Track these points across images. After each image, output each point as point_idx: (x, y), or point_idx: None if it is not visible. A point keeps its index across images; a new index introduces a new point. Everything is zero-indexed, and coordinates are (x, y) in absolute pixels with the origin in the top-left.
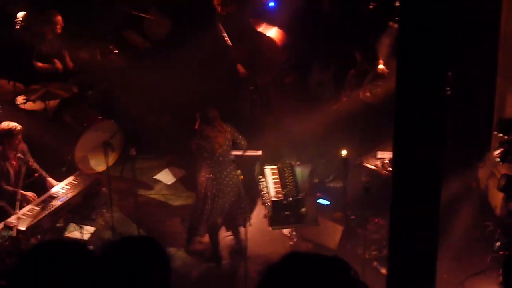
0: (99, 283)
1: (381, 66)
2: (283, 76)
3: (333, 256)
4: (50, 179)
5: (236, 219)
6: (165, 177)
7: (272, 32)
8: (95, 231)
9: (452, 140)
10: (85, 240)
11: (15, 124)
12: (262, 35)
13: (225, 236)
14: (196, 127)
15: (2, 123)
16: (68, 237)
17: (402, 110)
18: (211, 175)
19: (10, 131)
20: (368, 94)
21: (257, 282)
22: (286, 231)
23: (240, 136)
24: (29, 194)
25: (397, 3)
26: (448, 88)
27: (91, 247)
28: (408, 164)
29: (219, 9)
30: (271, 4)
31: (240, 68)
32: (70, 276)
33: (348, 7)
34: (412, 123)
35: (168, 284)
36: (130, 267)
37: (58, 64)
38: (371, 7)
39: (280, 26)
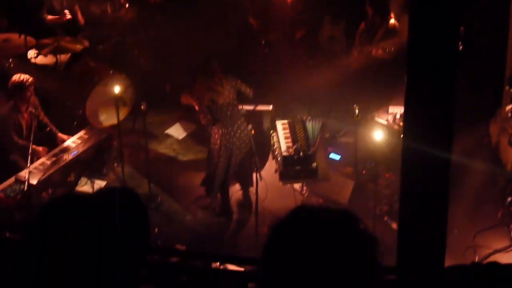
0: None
1: (392, 21)
2: (293, 31)
3: (343, 209)
4: (61, 134)
5: (247, 173)
6: (176, 131)
7: None
8: (106, 185)
9: (463, 96)
10: None
11: (27, 76)
12: None
13: (237, 191)
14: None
15: (13, 76)
16: (79, 192)
17: (414, 65)
18: (222, 129)
19: (21, 83)
20: (380, 51)
21: (266, 237)
22: (297, 185)
23: (245, 86)
24: (40, 148)
25: None
26: (460, 43)
27: None
28: (419, 119)
29: None
30: None
31: (252, 21)
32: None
33: None
34: (423, 77)
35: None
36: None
37: (68, 15)
38: None
39: None
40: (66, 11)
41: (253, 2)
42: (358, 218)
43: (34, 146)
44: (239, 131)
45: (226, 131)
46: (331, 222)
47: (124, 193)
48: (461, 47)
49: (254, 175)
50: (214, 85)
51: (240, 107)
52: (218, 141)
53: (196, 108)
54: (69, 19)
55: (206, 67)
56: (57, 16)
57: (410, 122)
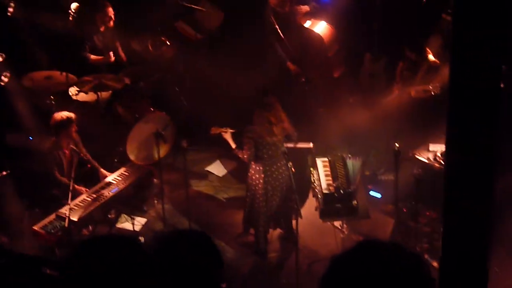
0: (150, 277)
1: (431, 58)
2: (331, 70)
3: (410, 251)
4: (102, 170)
5: (287, 212)
6: (217, 168)
7: (320, 28)
8: (146, 223)
9: (507, 134)
10: (136, 231)
11: (70, 114)
12: (309, 32)
13: (276, 229)
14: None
15: (56, 114)
16: (120, 229)
17: (456, 103)
18: (261, 168)
19: (65, 121)
20: (421, 92)
21: (324, 272)
22: (337, 223)
23: (293, 128)
24: (82, 188)
25: None
26: (504, 81)
27: (141, 238)
28: (461, 158)
29: (270, 2)
30: None
31: (290, 65)
32: (121, 271)
33: None
34: (466, 116)
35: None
36: (182, 261)
37: (112, 58)
38: None
39: (329, 19)
40: (111, 53)
41: (290, 44)
42: (422, 261)
43: (75, 186)
44: (278, 171)
45: (263, 169)
46: (399, 263)
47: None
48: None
49: (295, 212)
50: (272, 118)
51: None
52: (256, 179)
53: (232, 145)
54: (111, 61)
55: (263, 100)
56: (101, 57)
57: (452, 161)
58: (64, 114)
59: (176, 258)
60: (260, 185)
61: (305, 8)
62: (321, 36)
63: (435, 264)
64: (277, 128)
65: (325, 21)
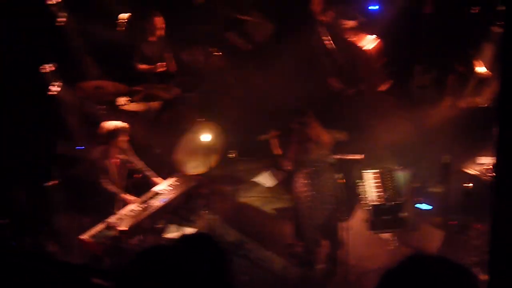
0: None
1: (482, 70)
2: (379, 83)
3: (460, 265)
4: (154, 178)
5: (334, 226)
6: (266, 179)
7: (367, 41)
8: (190, 233)
9: None
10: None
11: (121, 123)
12: (357, 45)
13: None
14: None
15: (106, 123)
16: (168, 239)
17: (505, 114)
18: (305, 180)
19: (115, 131)
20: (471, 104)
21: (375, 285)
22: (386, 235)
23: (338, 132)
24: (131, 197)
25: (501, 7)
26: None
27: None
28: (509, 171)
29: (318, 15)
30: (375, 7)
31: (334, 82)
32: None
33: (451, 9)
34: None
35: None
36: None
37: (159, 68)
38: (475, 10)
39: (377, 32)
40: (160, 64)
41: (338, 57)
42: (475, 276)
43: (124, 196)
44: (325, 182)
45: (309, 182)
46: (447, 276)
47: (202, 239)
48: None
49: (342, 224)
50: (310, 135)
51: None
52: (301, 191)
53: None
54: (160, 71)
55: (300, 120)
56: (150, 66)
57: (501, 174)
58: (114, 123)
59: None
60: (304, 197)
61: (352, 23)
62: (368, 50)
63: (484, 277)
64: (317, 143)
65: (372, 33)
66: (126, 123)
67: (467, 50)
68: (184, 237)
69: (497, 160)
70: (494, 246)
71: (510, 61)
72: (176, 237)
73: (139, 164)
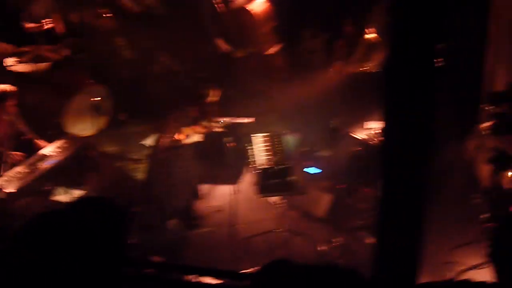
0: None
1: (371, 35)
2: (266, 46)
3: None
4: (39, 142)
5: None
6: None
7: (255, 4)
8: (82, 195)
9: (441, 113)
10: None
11: (7, 86)
12: (244, 8)
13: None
14: None
15: None
16: (55, 202)
17: (392, 80)
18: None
19: (3, 94)
20: (359, 68)
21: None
22: (274, 198)
23: None
24: (18, 154)
25: None
26: (438, 60)
27: None
28: (397, 135)
29: None
30: None
31: (221, 43)
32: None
33: None
34: (402, 94)
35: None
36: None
37: (47, 25)
38: None
39: None
40: (45, 21)
41: (225, 20)
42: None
43: (11, 153)
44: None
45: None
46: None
47: (99, 202)
48: (440, 63)
49: (227, 187)
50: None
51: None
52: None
53: None
54: (48, 29)
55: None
56: (36, 24)
57: (388, 137)
58: (1, 87)
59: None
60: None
61: None
62: (255, 12)
63: (369, 241)
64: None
65: None
66: (13, 87)
67: (357, 14)
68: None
69: (384, 125)
70: (380, 210)
71: (397, 27)
72: (67, 200)
73: (25, 127)
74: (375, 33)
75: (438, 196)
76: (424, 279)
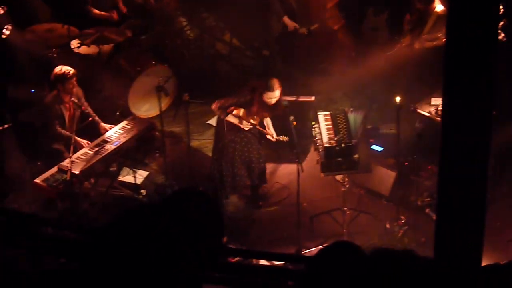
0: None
1: (440, 7)
2: (332, 23)
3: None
4: (103, 124)
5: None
6: None
7: None
8: (148, 176)
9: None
10: (138, 184)
11: (69, 68)
12: None
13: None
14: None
15: (56, 68)
16: (122, 182)
17: (452, 56)
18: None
19: (63, 75)
20: (427, 44)
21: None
22: (338, 177)
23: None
24: (83, 141)
25: None
26: (504, 35)
27: (143, 191)
28: (457, 111)
29: None
30: None
31: (287, 20)
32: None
33: None
34: (462, 70)
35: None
36: (182, 223)
37: (115, 15)
38: None
39: None
40: (115, 12)
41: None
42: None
43: (77, 139)
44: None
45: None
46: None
47: (195, 195)
48: (504, 39)
49: (296, 166)
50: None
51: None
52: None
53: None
54: (114, 18)
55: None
56: (104, 13)
57: (449, 114)
58: (63, 68)
59: (179, 217)
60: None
61: None
62: None
63: (435, 217)
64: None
65: None
66: (72, 68)
67: None
68: (171, 195)
69: (444, 100)
70: (441, 185)
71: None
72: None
73: (90, 109)
74: (443, 6)
75: (505, 174)
76: (491, 257)
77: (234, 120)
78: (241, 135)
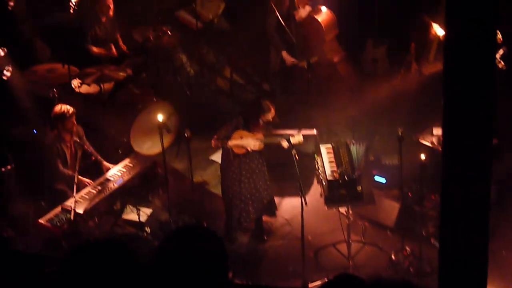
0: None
1: (441, 32)
2: (331, 55)
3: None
4: (106, 163)
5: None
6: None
7: (319, 13)
8: (152, 213)
9: (507, 117)
10: (142, 222)
11: (68, 107)
12: (309, 17)
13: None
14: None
15: (55, 107)
16: (126, 220)
17: (450, 84)
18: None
19: (63, 114)
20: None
21: None
22: (342, 209)
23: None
24: (86, 180)
25: None
26: (502, 63)
27: (147, 229)
28: (457, 141)
29: None
30: None
31: (285, 55)
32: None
33: None
34: (461, 98)
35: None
36: (185, 262)
37: (114, 50)
38: None
39: (328, 4)
40: (112, 46)
41: (290, 31)
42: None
43: (80, 177)
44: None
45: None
46: None
47: (200, 233)
48: (504, 67)
49: (299, 199)
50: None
51: (284, 131)
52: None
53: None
54: (113, 53)
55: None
56: (103, 50)
57: (449, 144)
58: (63, 107)
59: (182, 256)
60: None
61: None
62: (320, 22)
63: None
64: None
65: (324, 5)
66: (73, 107)
67: (421, 15)
68: (175, 232)
69: (444, 130)
70: (443, 216)
71: (454, 29)
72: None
73: (92, 148)
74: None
75: (503, 202)
76: (497, 285)
77: (239, 142)
78: (246, 167)
